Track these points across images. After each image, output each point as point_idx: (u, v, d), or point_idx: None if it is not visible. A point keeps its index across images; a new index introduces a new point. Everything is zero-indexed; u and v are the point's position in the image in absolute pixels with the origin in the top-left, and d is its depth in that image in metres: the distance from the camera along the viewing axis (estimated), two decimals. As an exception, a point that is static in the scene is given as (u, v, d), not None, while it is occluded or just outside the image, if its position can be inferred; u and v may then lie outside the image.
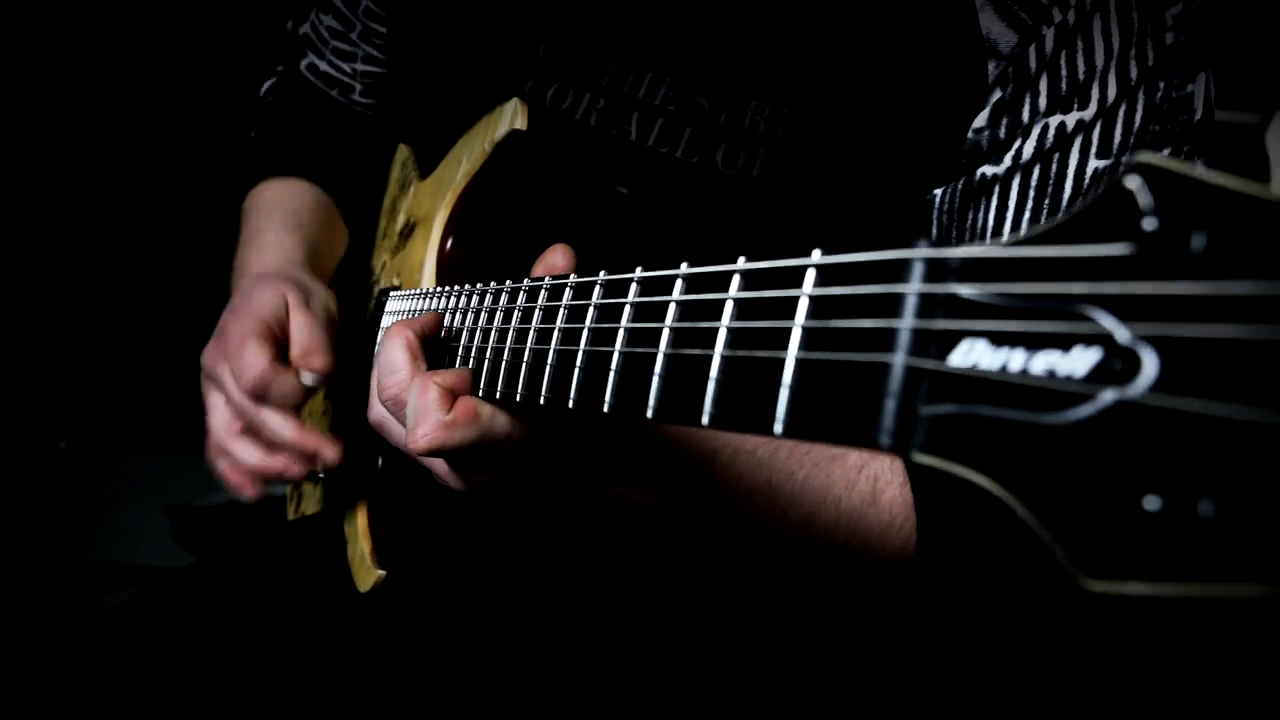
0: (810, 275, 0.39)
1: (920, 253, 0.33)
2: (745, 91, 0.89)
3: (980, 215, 0.87)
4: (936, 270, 0.33)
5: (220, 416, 0.91)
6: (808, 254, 0.40)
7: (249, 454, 0.89)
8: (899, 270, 0.34)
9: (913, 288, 0.33)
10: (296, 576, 1.02)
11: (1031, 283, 0.30)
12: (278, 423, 0.87)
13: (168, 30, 2.22)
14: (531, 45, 0.99)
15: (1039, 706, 1.06)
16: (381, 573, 0.91)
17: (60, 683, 0.90)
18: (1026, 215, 0.86)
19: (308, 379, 0.88)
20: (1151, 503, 0.26)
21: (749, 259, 0.44)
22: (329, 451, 0.89)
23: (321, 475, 1.19)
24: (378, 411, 0.74)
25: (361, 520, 0.98)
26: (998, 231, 0.87)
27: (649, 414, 0.48)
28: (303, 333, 0.90)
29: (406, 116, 1.25)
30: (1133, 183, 0.27)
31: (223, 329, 0.91)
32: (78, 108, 2.21)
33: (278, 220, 1.08)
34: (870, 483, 0.79)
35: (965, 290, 0.32)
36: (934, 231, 0.91)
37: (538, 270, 0.72)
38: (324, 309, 0.98)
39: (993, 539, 0.77)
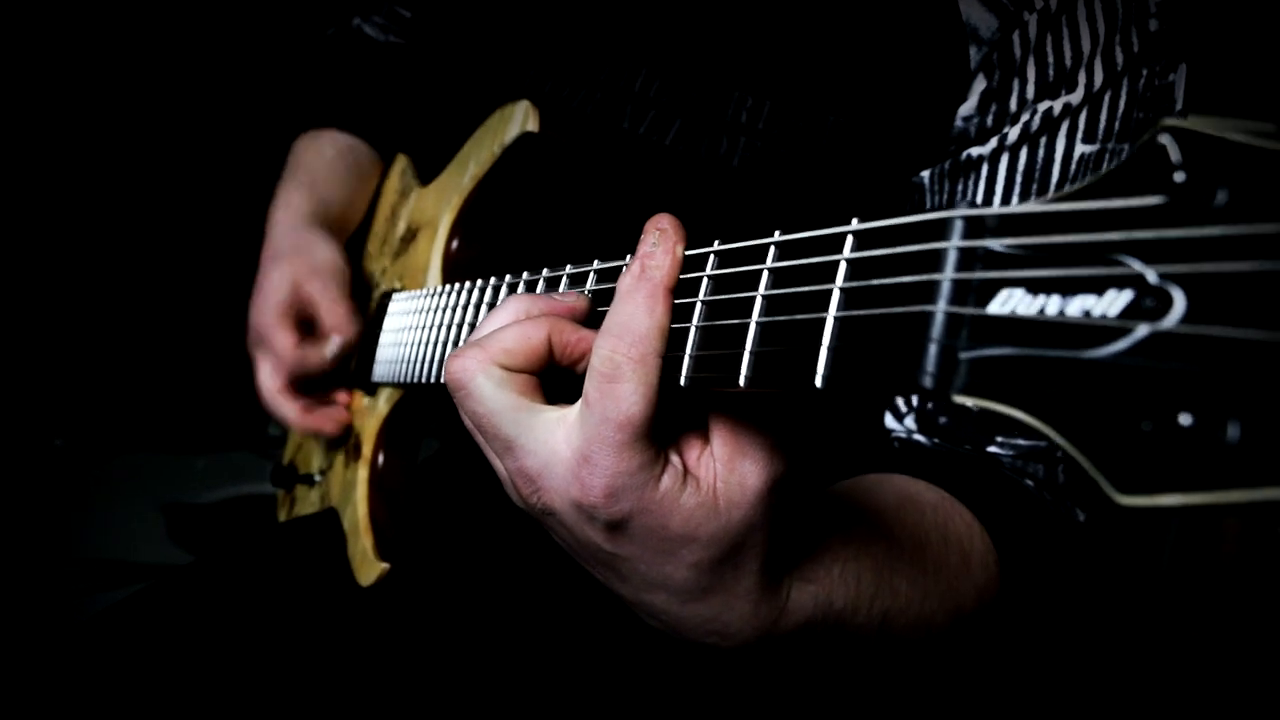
0: (849, 241, 0.42)
1: (959, 212, 0.36)
2: (728, 83, 0.92)
3: (968, 198, 0.88)
4: (975, 227, 0.36)
5: (266, 376, 1.07)
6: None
7: (290, 411, 1.07)
8: (939, 229, 0.37)
9: (953, 244, 0.36)
10: (297, 575, 1.03)
11: (1067, 234, 0.33)
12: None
13: (166, 30, 2.23)
14: (532, 43, 1.03)
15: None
16: (384, 566, 0.92)
17: (59, 682, 0.89)
18: (1015, 198, 0.87)
19: (333, 347, 1.05)
20: (1185, 419, 0.29)
21: (783, 233, 0.47)
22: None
23: (318, 479, 1.19)
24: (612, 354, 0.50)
25: (362, 516, 0.99)
26: None
27: (681, 382, 0.50)
28: (327, 307, 1.06)
29: (407, 124, 1.28)
30: (1165, 139, 0.30)
31: (259, 286, 1.09)
32: (76, 107, 2.21)
33: (296, 178, 1.19)
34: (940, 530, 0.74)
35: (1003, 244, 0.35)
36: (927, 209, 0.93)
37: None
38: (331, 267, 1.09)
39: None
